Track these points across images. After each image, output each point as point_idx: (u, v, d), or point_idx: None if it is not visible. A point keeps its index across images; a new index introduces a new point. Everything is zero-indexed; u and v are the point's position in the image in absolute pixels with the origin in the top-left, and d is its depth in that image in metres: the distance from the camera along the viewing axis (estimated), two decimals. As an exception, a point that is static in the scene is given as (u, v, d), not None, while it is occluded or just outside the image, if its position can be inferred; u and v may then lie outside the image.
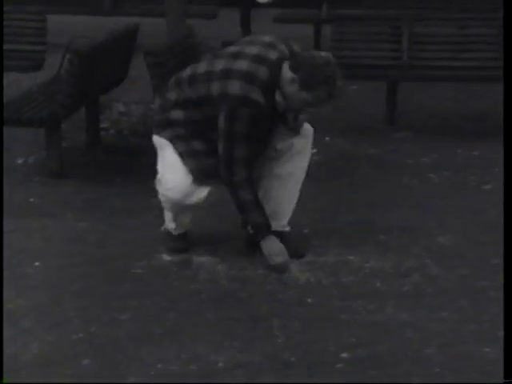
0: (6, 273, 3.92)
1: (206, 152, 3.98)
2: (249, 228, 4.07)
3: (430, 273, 4.01)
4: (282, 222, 4.16)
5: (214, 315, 3.60)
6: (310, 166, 5.61)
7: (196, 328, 3.50)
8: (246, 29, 10.49)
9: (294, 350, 3.32)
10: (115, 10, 10.47)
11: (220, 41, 10.07)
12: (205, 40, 7.46)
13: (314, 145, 6.02)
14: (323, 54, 3.96)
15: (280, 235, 4.11)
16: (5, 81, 7.65)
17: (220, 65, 3.93)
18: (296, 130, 4.09)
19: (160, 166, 4.07)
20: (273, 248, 3.98)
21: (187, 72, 4.06)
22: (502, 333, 3.34)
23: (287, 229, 4.19)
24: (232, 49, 4.02)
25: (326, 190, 5.16)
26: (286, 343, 3.38)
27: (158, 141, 4.08)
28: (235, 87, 3.83)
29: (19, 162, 5.62)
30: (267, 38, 4.02)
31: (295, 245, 4.19)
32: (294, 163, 4.11)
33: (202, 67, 4.01)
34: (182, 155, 3.99)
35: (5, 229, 4.40)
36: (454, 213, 4.77)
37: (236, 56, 3.94)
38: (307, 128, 4.18)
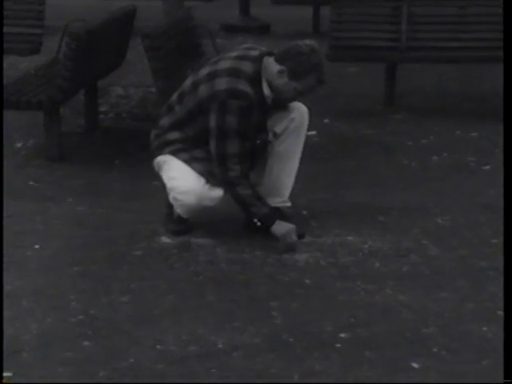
0: (5, 255, 3.93)
1: (209, 158, 3.99)
2: (255, 221, 4.05)
3: (428, 253, 4.02)
4: (283, 198, 4.21)
5: (213, 297, 3.61)
6: (309, 148, 5.63)
7: (195, 310, 3.51)
8: (245, 11, 10.46)
9: (293, 331, 3.33)
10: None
11: (219, 23, 10.09)
12: (203, 22, 7.45)
13: (313, 127, 6.06)
14: (307, 42, 4.03)
15: (282, 212, 4.15)
16: (3, 64, 7.65)
17: (204, 71, 4.03)
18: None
19: (168, 176, 4.05)
20: (284, 229, 4.00)
21: (175, 94, 4.13)
22: (500, 312, 3.36)
23: (288, 204, 4.23)
24: (214, 59, 4.18)
25: (324, 171, 5.17)
26: (285, 324, 3.39)
27: (160, 159, 4.09)
28: (222, 83, 3.91)
29: (18, 145, 5.63)
30: (245, 45, 4.25)
31: (296, 224, 4.20)
32: (291, 140, 4.16)
33: (187, 82, 4.09)
34: (186, 162, 4.01)
35: (4, 212, 4.41)
36: (453, 194, 4.78)
37: (218, 60, 4.07)
38: (301, 107, 4.19)
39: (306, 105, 6.42)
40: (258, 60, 3.97)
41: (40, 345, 3.23)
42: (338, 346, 3.25)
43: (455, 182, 4.98)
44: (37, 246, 4.07)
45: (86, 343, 3.24)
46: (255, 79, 3.94)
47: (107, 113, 6.44)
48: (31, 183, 4.95)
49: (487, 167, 5.22)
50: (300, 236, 4.14)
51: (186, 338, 3.29)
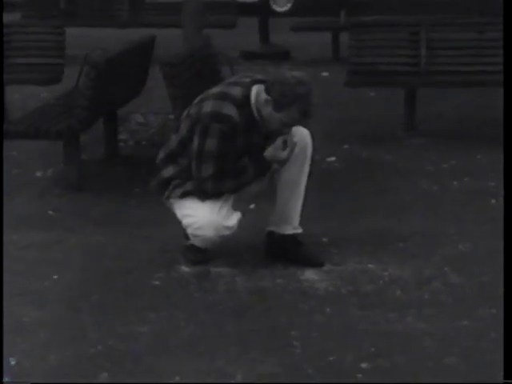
0: (23, 286, 3.93)
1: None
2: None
3: (449, 281, 3.97)
4: (294, 225, 4.18)
5: (232, 327, 3.58)
6: (328, 174, 5.62)
7: (214, 340, 3.48)
8: (265, 37, 10.51)
9: (313, 361, 3.29)
10: (134, 21, 10.53)
11: (238, 50, 10.13)
12: (223, 50, 7.47)
13: (333, 153, 6.06)
14: (296, 73, 4.00)
15: (296, 240, 4.15)
16: (24, 94, 7.72)
17: (197, 100, 4.06)
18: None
19: (181, 214, 4.06)
20: (270, 151, 3.98)
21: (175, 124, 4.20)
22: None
23: (300, 230, 4.21)
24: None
25: (344, 197, 5.14)
26: (305, 354, 3.36)
27: (169, 202, 4.11)
28: (208, 106, 3.93)
29: (38, 174, 5.65)
30: (243, 73, 4.28)
31: (314, 253, 4.19)
32: (297, 166, 4.11)
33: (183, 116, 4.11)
34: (192, 192, 4.01)
35: (23, 242, 4.43)
36: (474, 219, 4.74)
37: (211, 88, 4.08)
38: (303, 131, 4.16)
39: (324, 131, 6.44)
40: (248, 86, 3.97)
41: (58, 377, 3.20)
42: (359, 376, 3.20)
43: (476, 208, 4.93)
44: (55, 277, 4.06)
45: (103, 375, 3.22)
46: (243, 104, 3.93)
47: (127, 140, 6.46)
48: (50, 212, 4.95)
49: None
50: (319, 265, 4.11)
51: (204, 369, 3.25)
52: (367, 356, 3.33)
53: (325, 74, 8.77)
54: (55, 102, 5.91)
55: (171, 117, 6.28)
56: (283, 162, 4.04)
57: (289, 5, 15.06)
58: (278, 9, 14.81)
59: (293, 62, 9.64)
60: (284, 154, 4.00)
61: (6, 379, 2.97)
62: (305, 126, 4.20)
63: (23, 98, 7.57)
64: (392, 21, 7.79)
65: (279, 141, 3.99)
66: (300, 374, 3.22)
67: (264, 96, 3.92)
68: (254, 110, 3.96)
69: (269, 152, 4.00)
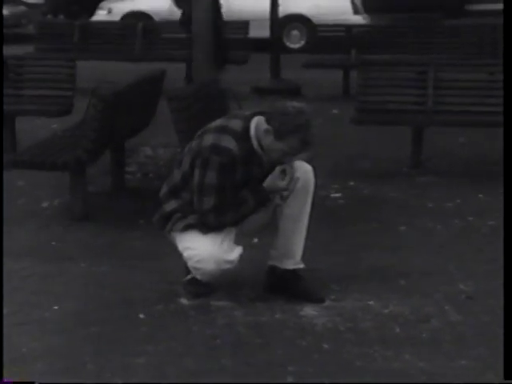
0: (23, 316, 3.94)
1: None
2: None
3: (449, 319, 3.96)
4: (296, 259, 4.18)
5: (229, 361, 3.57)
6: (332, 210, 5.63)
7: (211, 373, 3.47)
8: (276, 74, 10.58)
9: (308, 397, 3.28)
10: (146, 55, 10.64)
11: (249, 85, 10.20)
12: (234, 85, 7.53)
13: (338, 189, 6.07)
14: (296, 104, 4.01)
15: (296, 275, 4.15)
16: (35, 125, 7.79)
17: (198, 133, 4.08)
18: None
19: (182, 246, 4.07)
20: (268, 181, 4.00)
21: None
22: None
23: (301, 266, 4.21)
24: None
25: (347, 233, 5.15)
26: (301, 390, 3.35)
27: (171, 236, 4.12)
28: (208, 140, 3.95)
29: (44, 205, 5.68)
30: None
31: (314, 289, 4.19)
32: (299, 201, 4.11)
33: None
34: (194, 225, 4.02)
35: (25, 272, 4.45)
36: (476, 258, 4.73)
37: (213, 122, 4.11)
38: (305, 166, 4.18)
39: (331, 167, 6.46)
40: (247, 118, 4.00)
41: (52, 407, 3.21)
42: (354, 413, 3.19)
43: (479, 247, 4.92)
44: (55, 307, 4.07)
45: (98, 406, 3.22)
46: (243, 136, 3.96)
47: (135, 173, 6.50)
48: (54, 243, 4.97)
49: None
50: (319, 301, 4.11)
51: (199, 402, 3.25)
52: (363, 393, 3.32)
53: (335, 111, 8.81)
54: (63, 134, 5.97)
55: (179, 150, 6.33)
56: (283, 192, 4.04)
57: (302, 42, 15.20)
58: (292, 45, 14.91)
59: (304, 98, 9.69)
60: (283, 184, 4.02)
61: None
62: (309, 162, 4.22)
63: (34, 129, 7.63)
64: (400, 60, 7.85)
65: (277, 170, 4.02)
66: (294, 409, 3.21)
67: (264, 126, 3.95)
68: (255, 141, 3.98)
69: (268, 182, 4.02)
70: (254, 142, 3.98)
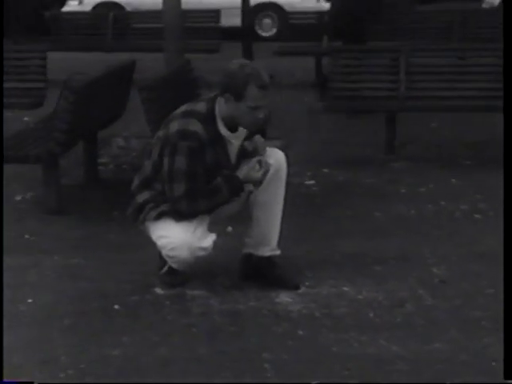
0: (-2, 310, 3.92)
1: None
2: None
3: (423, 303, 3.99)
4: (272, 246, 4.19)
5: (204, 349, 3.58)
6: (306, 197, 5.65)
7: (186, 362, 3.48)
8: (248, 62, 10.57)
9: (284, 384, 3.30)
10: (117, 46, 10.58)
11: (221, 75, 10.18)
12: (206, 74, 7.52)
13: (312, 176, 6.09)
14: (235, 60, 4.02)
15: (271, 262, 4.16)
16: (6, 118, 7.72)
17: (164, 122, 4.07)
18: (255, 152, 4.08)
19: (156, 235, 4.06)
20: (244, 170, 3.99)
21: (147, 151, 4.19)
22: (494, 363, 3.32)
23: (278, 252, 4.21)
24: None
25: (321, 220, 5.16)
26: (277, 377, 3.36)
27: (145, 226, 4.10)
28: (174, 126, 3.94)
29: (17, 198, 5.65)
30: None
31: (289, 276, 4.20)
32: (272, 188, 4.11)
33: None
34: (166, 213, 4.01)
35: (-1, 265, 4.42)
36: (449, 243, 4.76)
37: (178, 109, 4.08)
38: (277, 152, 4.17)
39: (304, 154, 6.48)
40: (211, 100, 3.98)
41: (28, 400, 3.20)
42: (330, 398, 3.21)
43: (452, 231, 4.96)
44: (30, 300, 4.05)
45: (74, 398, 3.22)
46: (208, 117, 3.94)
47: (107, 164, 6.48)
48: (27, 236, 4.95)
49: (484, 216, 5.20)
50: (295, 287, 4.12)
51: (175, 391, 3.25)
52: (339, 379, 3.33)
53: (307, 98, 8.82)
54: (35, 126, 5.93)
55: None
56: (258, 183, 4.06)
57: (274, 30, 15.20)
58: (264, 33, 14.89)
59: (276, 86, 9.68)
60: (258, 175, 4.02)
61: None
62: (283, 150, 4.22)
63: (6, 121, 7.56)
64: (372, 46, 7.86)
65: (254, 161, 4.01)
66: (271, 396, 3.23)
67: (223, 99, 3.93)
68: (220, 122, 3.97)
69: (243, 172, 4.02)
70: (219, 123, 3.96)
